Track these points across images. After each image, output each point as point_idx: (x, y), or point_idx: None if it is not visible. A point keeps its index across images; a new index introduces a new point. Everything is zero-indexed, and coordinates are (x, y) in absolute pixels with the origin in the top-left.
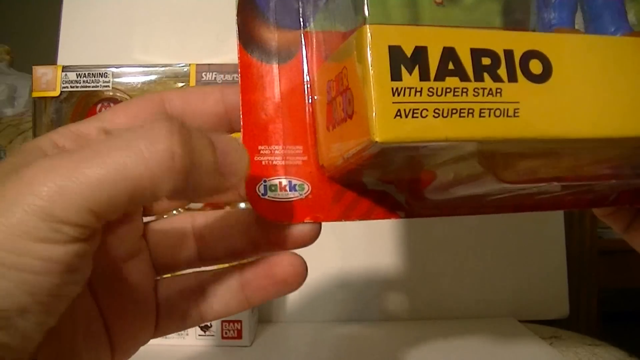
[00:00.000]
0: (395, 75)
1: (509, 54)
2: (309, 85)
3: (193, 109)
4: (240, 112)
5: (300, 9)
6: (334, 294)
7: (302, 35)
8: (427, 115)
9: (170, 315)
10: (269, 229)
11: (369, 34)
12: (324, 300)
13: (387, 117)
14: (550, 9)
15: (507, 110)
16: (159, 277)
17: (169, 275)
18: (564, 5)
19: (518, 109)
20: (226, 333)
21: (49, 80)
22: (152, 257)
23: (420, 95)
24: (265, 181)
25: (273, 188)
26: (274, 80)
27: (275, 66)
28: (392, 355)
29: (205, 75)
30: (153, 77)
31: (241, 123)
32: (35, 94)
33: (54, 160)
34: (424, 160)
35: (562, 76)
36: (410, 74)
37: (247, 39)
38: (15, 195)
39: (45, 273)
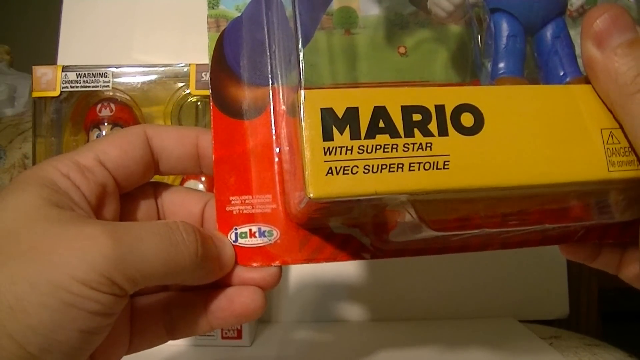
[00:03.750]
0: (327, 136)
1: (440, 108)
2: (276, 138)
3: (171, 149)
4: (213, 166)
5: (270, 67)
6: (334, 294)
7: (271, 90)
8: (357, 172)
9: (142, 335)
10: (236, 270)
11: (302, 98)
12: (325, 300)
13: (319, 175)
14: (498, 58)
15: (437, 163)
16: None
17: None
18: (511, 54)
19: (448, 161)
20: (226, 333)
21: (49, 80)
22: None
23: (351, 153)
24: (236, 229)
25: (243, 235)
26: (244, 134)
27: (246, 121)
28: (393, 355)
29: (205, 75)
30: (153, 77)
31: (214, 176)
32: (35, 94)
33: (117, 229)
34: (380, 207)
35: (494, 127)
36: (342, 133)
37: (220, 96)
38: (80, 249)
39: (96, 312)
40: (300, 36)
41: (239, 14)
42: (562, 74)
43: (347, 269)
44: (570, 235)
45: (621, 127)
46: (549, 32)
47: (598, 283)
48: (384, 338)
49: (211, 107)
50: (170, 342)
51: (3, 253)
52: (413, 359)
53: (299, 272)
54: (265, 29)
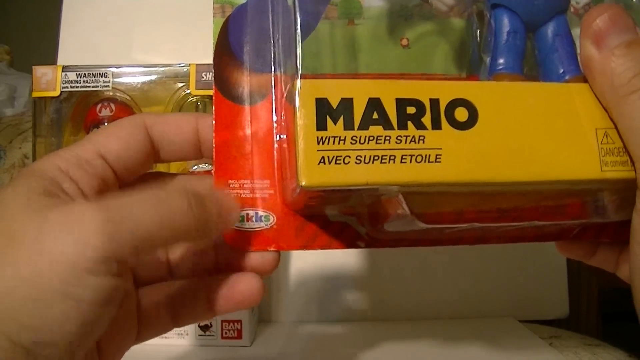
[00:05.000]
0: (321, 125)
1: (434, 102)
2: (276, 124)
3: (171, 137)
4: (213, 150)
5: (273, 54)
6: (334, 294)
7: (273, 78)
8: (349, 162)
9: (149, 324)
10: (235, 254)
11: (298, 87)
12: (325, 300)
13: (312, 164)
14: (497, 54)
15: (429, 156)
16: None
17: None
18: (511, 50)
19: (440, 154)
20: (226, 333)
21: (49, 80)
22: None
23: (344, 143)
24: None
25: (240, 219)
26: (245, 119)
27: (247, 107)
28: (393, 355)
29: (205, 75)
30: (153, 77)
31: (213, 159)
32: (35, 94)
33: (104, 201)
34: (376, 196)
35: (488, 123)
36: (335, 123)
37: (222, 82)
38: (68, 231)
39: (93, 303)
40: (299, 25)
41: (245, 1)
42: (561, 71)
43: (348, 269)
44: (567, 232)
45: (616, 127)
46: (549, 30)
47: (598, 283)
48: (384, 338)
49: (213, 91)
50: (170, 342)
51: None
52: (413, 359)
53: (300, 272)
54: (270, 17)
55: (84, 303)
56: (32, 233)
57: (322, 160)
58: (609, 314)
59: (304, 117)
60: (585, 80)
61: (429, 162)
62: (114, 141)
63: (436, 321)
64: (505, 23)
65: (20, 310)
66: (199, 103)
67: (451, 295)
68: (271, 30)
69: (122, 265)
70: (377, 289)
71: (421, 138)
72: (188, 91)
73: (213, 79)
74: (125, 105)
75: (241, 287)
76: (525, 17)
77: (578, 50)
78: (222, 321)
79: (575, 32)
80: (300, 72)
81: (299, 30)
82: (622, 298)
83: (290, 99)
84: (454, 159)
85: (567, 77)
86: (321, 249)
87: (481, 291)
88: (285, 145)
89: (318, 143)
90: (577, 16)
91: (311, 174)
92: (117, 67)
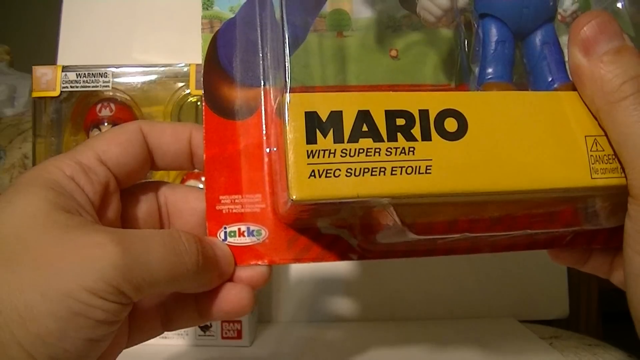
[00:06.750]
0: (311, 139)
1: (424, 113)
2: (266, 138)
3: (166, 146)
4: (204, 165)
5: (262, 68)
6: (335, 295)
7: (263, 91)
8: (339, 175)
9: (140, 329)
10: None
11: (287, 102)
12: (326, 300)
13: (302, 177)
14: (486, 63)
15: (419, 167)
16: None
17: None
18: (500, 59)
19: (430, 166)
20: (226, 333)
21: (49, 80)
22: None
23: (334, 156)
24: (225, 228)
25: (232, 234)
26: (236, 134)
27: (238, 121)
28: (393, 355)
29: None
30: (153, 77)
31: (204, 175)
32: (35, 94)
33: (124, 237)
34: (367, 208)
35: (478, 133)
36: (325, 137)
37: (212, 97)
38: (89, 258)
39: (102, 321)
40: (287, 39)
41: (233, 15)
42: (550, 79)
43: (348, 270)
44: (559, 240)
45: (606, 134)
46: (537, 38)
47: (598, 283)
48: (384, 338)
49: (203, 107)
50: (170, 342)
51: (11, 259)
52: (413, 359)
53: (300, 273)
54: (259, 31)
55: (94, 321)
56: (56, 255)
57: (313, 174)
58: (609, 314)
59: (294, 130)
60: (574, 88)
61: (419, 173)
62: (113, 147)
63: (436, 321)
64: (494, 32)
65: (40, 323)
66: (198, 103)
67: (451, 295)
68: (260, 43)
69: (129, 300)
70: (378, 289)
71: (411, 149)
72: (188, 91)
73: (202, 94)
74: (125, 105)
75: (231, 297)
76: (513, 26)
77: (566, 58)
78: (222, 321)
79: (563, 40)
80: (289, 86)
81: (287, 44)
82: (622, 298)
83: (280, 112)
84: (445, 170)
85: (556, 85)
86: (313, 261)
87: (481, 291)
88: (276, 158)
89: (308, 157)
90: (565, 24)
91: (302, 187)
92: (117, 67)
